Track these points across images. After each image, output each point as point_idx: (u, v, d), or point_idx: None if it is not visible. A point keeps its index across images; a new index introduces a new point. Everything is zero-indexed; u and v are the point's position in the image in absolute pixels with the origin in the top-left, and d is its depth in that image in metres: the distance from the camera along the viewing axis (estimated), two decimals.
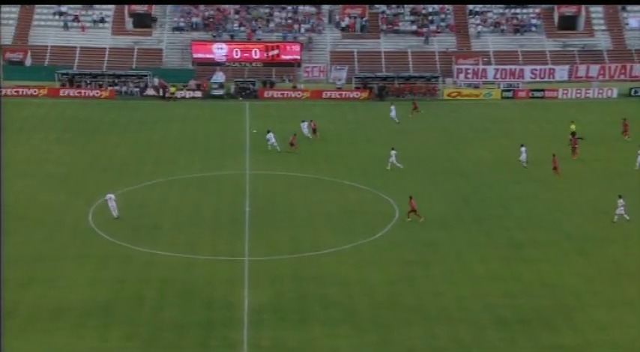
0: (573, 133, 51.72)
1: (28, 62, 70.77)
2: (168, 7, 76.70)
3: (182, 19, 76.21)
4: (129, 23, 75.43)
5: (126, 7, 75.10)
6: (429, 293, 31.83)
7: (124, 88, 68.77)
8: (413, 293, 31.87)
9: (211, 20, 76.60)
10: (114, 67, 71.17)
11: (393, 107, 61.46)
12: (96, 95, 67.44)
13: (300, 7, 78.49)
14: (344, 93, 70.50)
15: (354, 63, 73.99)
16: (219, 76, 70.57)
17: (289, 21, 77.77)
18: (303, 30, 76.82)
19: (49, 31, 73.28)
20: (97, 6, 75.27)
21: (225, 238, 37.32)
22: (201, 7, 77.20)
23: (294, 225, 39.34)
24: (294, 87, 71.42)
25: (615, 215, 38.85)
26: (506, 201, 42.55)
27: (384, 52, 75.23)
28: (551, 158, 45.99)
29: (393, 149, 47.96)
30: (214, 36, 75.04)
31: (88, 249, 35.40)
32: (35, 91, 66.39)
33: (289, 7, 78.68)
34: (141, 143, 53.26)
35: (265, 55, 72.89)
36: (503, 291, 31.95)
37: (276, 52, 73.06)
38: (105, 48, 73.00)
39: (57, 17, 74.25)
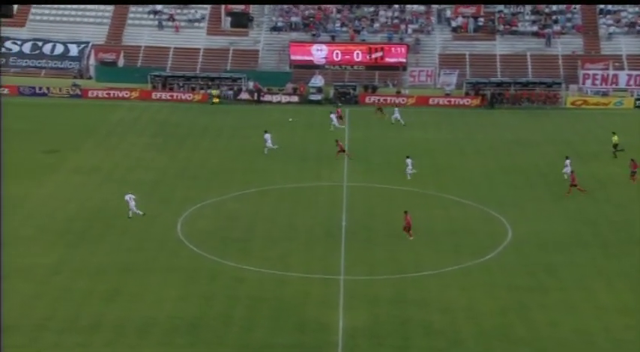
0: (615, 145, 51.75)
1: (121, 63, 73.64)
2: (267, 6, 78.16)
3: (280, 19, 77.49)
4: (225, 22, 77.34)
5: (222, 5, 77.08)
6: (544, 323, 30.88)
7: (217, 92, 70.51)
8: (526, 323, 31.01)
9: (311, 20, 77.52)
10: (207, 68, 73.10)
11: (396, 109, 62.45)
12: (188, 98, 69.44)
13: (408, 6, 78.33)
14: (453, 99, 69.74)
15: (465, 67, 73.16)
16: (317, 80, 71.27)
17: (395, 21, 77.74)
18: (410, 30, 76.61)
19: (143, 30, 76.05)
20: (193, 4, 77.61)
21: (319, 254, 37.48)
22: (302, 5, 78.27)
23: (395, 242, 39.07)
24: (398, 92, 71.20)
25: None
26: (639, 224, 40.86)
27: (500, 54, 74.01)
28: None
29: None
30: (314, 36, 75.88)
31: (176, 261, 36.34)
32: (127, 93, 69.01)
33: (396, 6, 78.71)
34: (233, 150, 54.38)
35: (368, 57, 73.09)
36: (633, 327, 30.60)
37: (380, 54, 73.13)
38: (199, 48, 75.12)
39: (151, 16, 76.99)
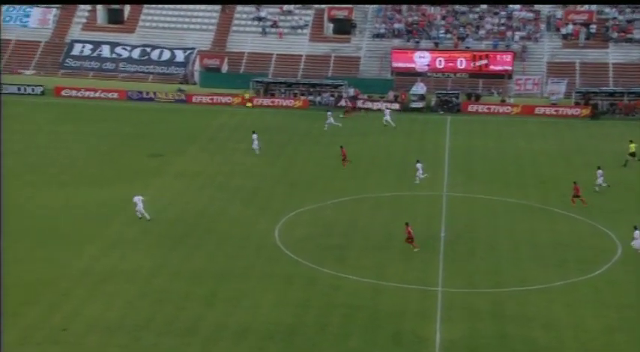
0: (633, 154, 50.75)
1: (224, 69, 75.24)
2: (370, 12, 78.27)
3: (383, 25, 77.39)
4: (328, 29, 77.85)
5: (326, 12, 77.66)
6: None
7: (318, 98, 71.05)
8: (635, 344, 29.71)
9: (415, 26, 77.09)
10: (309, 75, 73.77)
11: (387, 110, 62.94)
12: (289, 105, 70.23)
13: (516, 12, 76.86)
14: (561, 109, 67.89)
15: (574, 75, 71.06)
16: (419, 87, 70.78)
17: (502, 28, 76.36)
18: (517, 37, 75.09)
19: (246, 37, 77.50)
20: (297, 11, 78.56)
21: (417, 265, 37.10)
22: (405, 12, 78.01)
23: (496, 255, 38.26)
24: (503, 101, 69.87)
25: None
26: None
27: (613, 63, 71.57)
28: None
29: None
30: (417, 43, 75.41)
31: (273, 267, 36.71)
32: (229, 99, 70.43)
33: (502, 12, 77.38)
34: (332, 157, 54.58)
35: (472, 64, 72.09)
36: None
37: (484, 61, 72.00)
38: (301, 55, 75.90)
39: (255, 23, 78.37)
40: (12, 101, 66.71)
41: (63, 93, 70.43)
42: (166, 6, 78.83)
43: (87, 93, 69.89)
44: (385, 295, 33.91)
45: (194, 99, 70.70)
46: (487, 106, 68.94)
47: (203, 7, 79.03)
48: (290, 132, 61.34)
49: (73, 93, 70.52)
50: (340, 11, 77.85)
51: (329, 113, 63.11)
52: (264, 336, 30.23)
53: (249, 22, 78.75)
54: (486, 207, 44.68)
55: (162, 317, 31.50)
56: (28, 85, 70.95)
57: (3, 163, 46.38)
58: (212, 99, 70.76)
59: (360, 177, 50.03)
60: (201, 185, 48.22)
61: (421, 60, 72.77)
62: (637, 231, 38.21)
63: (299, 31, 77.81)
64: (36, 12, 77.03)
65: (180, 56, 75.10)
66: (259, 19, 78.54)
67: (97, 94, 70.31)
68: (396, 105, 69.40)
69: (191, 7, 78.88)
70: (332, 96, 71.05)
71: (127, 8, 78.41)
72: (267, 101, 70.52)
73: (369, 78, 73.22)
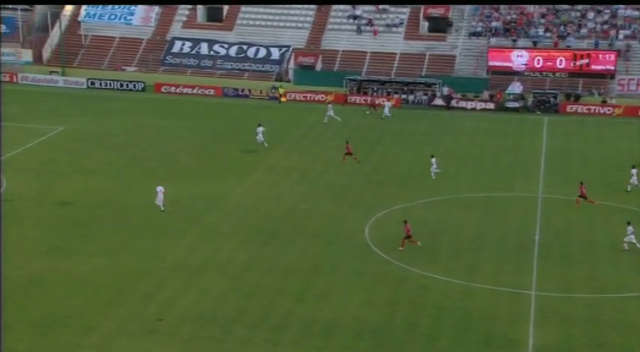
0: None
1: (319, 67, 75.69)
2: (467, 11, 77.23)
3: (480, 24, 76.22)
4: (423, 27, 77.24)
5: (422, 10, 77.06)
6: None
7: (410, 97, 70.61)
8: None
9: (513, 25, 75.60)
10: (403, 73, 73.37)
11: (387, 103, 64.05)
12: (382, 103, 70.02)
13: (620, 11, 74.39)
14: None
15: None
16: (516, 87, 69.39)
17: (605, 26, 74.01)
18: (621, 36, 72.63)
19: (341, 35, 77.68)
20: (393, 9, 78.28)
21: (509, 267, 36.39)
22: (503, 10, 76.61)
23: (594, 260, 37.15)
24: (604, 101, 67.73)
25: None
26: None
27: None
28: None
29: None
30: (514, 42, 73.94)
31: (363, 265, 36.71)
32: (322, 97, 70.80)
33: (606, 11, 74.99)
34: (423, 156, 54.04)
35: (572, 64, 70.17)
36: None
37: (585, 61, 69.98)
38: (395, 53, 75.56)
39: (350, 21, 78.49)
40: (115, 97, 69.01)
41: (162, 89, 72.35)
42: (264, 4, 79.85)
43: (185, 90, 71.59)
44: (476, 297, 33.42)
45: (288, 96, 71.39)
46: (587, 107, 66.95)
47: (299, 5, 79.68)
48: (382, 131, 61.18)
49: (172, 89, 72.32)
50: (436, 9, 77.10)
51: (329, 105, 64.17)
52: (353, 334, 30.26)
53: (344, 21, 78.90)
54: (584, 211, 43.41)
55: (254, 310, 31.95)
56: (130, 82, 73.18)
57: (3, 162, 47.79)
58: (305, 96, 71.29)
59: (452, 177, 49.43)
60: (292, 181, 48.66)
61: (519, 59, 71.28)
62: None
63: (394, 29, 77.46)
64: (139, 10, 79.34)
65: (275, 54, 75.96)
66: (354, 17, 78.61)
67: (195, 91, 71.90)
68: (491, 105, 68.25)
69: (287, 5, 79.65)
70: (425, 94, 70.46)
71: (226, 7, 79.81)
72: (359, 99, 70.52)
73: (464, 77, 72.23)
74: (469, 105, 68.73)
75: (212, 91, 71.78)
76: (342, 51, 76.43)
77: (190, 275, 35.24)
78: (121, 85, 72.72)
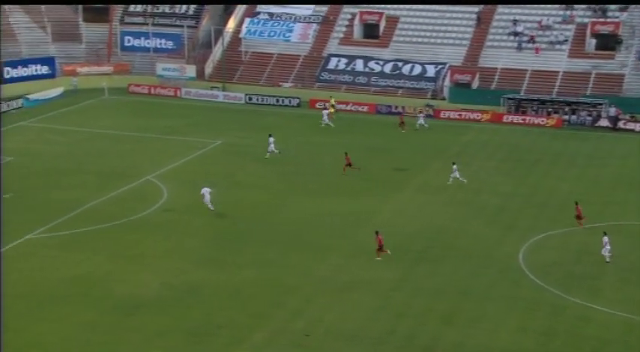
0: None
1: (475, 85, 74.52)
2: (638, 28, 73.65)
3: None
4: (590, 44, 74.40)
5: (588, 27, 74.28)
6: None
7: (573, 117, 68.06)
8: None
9: None
10: (565, 92, 70.88)
11: (421, 115, 65.95)
12: (541, 123, 67.97)
13: None
14: None
15: None
16: None
17: None
18: None
19: (501, 52, 76.15)
20: (557, 26, 75.97)
21: None
22: None
23: None
24: None
25: None
26: None
27: None
28: None
29: None
30: None
31: (517, 290, 35.59)
32: (478, 115, 69.58)
33: None
34: (587, 179, 51.97)
35: None
36: None
37: None
38: (558, 71, 73.16)
39: (511, 38, 76.85)
40: (271, 112, 70.95)
41: (317, 105, 73.63)
42: (421, 21, 79.72)
43: (338, 106, 72.48)
44: None
45: (442, 114, 70.67)
46: None
47: (458, 21, 78.91)
48: (540, 152, 59.29)
49: (326, 105, 73.43)
50: (604, 26, 74.08)
51: (325, 111, 66.84)
52: None
53: (505, 37, 77.31)
54: None
55: (402, 331, 31.70)
56: (286, 97, 75.01)
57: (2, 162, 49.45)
58: (460, 114, 70.33)
59: (619, 202, 47.09)
60: (444, 200, 48.02)
61: None
62: (605, 237, 38.36)
63: (557, 46, 75.07)
64: (298, 27, 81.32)
65: (431, 71, 75.49)
66: (515, 34, 76.88)
67: (349, 107, 72.64)
68: None
69: (446, 21, 79.08)
70: (589, 115, 67.67)
71: (383, 23, 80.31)
72: (517, 118, 68.75)
73: (634, 97, 68.76)
74: (638, 127, 65.34)
75: (366, 108, 72.29)
76: (501, 68, 74.86)
77: (339, 291, 35.46)
78: (277, 101, 74.66)
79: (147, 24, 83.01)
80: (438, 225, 43.80)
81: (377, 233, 39.08)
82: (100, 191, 48.23)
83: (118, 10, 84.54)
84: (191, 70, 79.36)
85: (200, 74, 79.82)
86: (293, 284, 36.09)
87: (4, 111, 67.81)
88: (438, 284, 36.16)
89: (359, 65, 77.37)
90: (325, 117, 66.02)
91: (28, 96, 71.67)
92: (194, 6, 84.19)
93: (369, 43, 79.98)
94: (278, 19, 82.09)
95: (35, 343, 30.73)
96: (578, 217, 43.01)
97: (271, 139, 56.51)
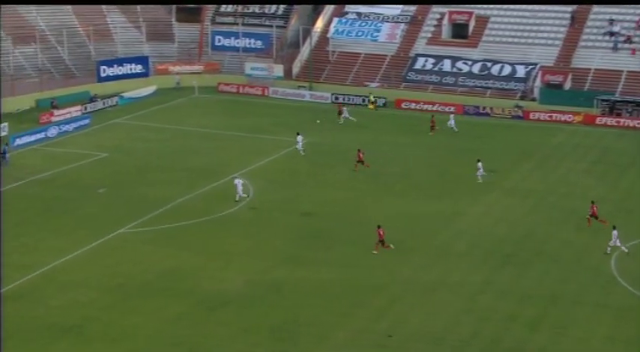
0: None
1: (567, 86, 72.81)
2: None
3: None
4: None
5: None
6: None
7: None
8: None
9: None
10: None
11: (451, 115, 64.60)
12: (637, 126, 65.92)
13: None
14: None
15: None
16: None
17: None
18: None
19: (595, 52, 74.18)
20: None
21: None
22: None
23: None
24: None
25: None
26: None
27: None
28: None
29: None
30: None
31: (608, 298, 34.69)
32: (570, 117, 67.98)
33: None
34: None
35: None
36: None
37: None
38: None
39: (607, 38, 74.77)
40: (356, 112, 71.05)
41: (403, 105, 73.30)
42: (512, 20, 78.43)
43: (425, 106, 72.00)
44: None
45: (531, 115, 69.32)
46: None
47: (551, 21, 77.24)
48: (634, 155, 57.49)
49: (412, 105, 73.01)
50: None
51: (344, 108, 67.65)
52: None
53: (600, 38, 75.23)
54: None
55: (487, 335, 31.36)
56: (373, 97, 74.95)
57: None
58: (550, 116, 68.85)
59: None
60: (532, 204, 47.14)
61: None
62: (615, 231, 38.64)
63: None
64: (385, 27, 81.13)
65: (521, 72, 74.15)
66: (611, 33, 74.72)
67: (435, 107, 72.05)
68: None
69: (538, 21, 77.52)
70: None
71: (472, 23, 79.35)
72: (611, 120, 66.85)
73: None
74: None
75: (452, 108, 71.57)
76: (595, 69, 72.89)
77: (422, 293, 35.32)
78: (363, 100, 74.71)
79: (237, 24, 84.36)
80: (526, 229, 43.06)
81: (379, 227, 39.22)
82: (189, 188, 49.36)
83: (209, 10, 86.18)
84: (279, 70, 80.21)
85: (287, 73, 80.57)
86: (377, 283, 36.14)
87: (100, 109, 70.25)
88: (525, 288, 35.57)
89: (446, 65, 76.65)
90: (346, 114, 67.16)
91: (122, 94, 73.94)
92: (283, 6, 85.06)
93: (458, 43, 79.14)
94: (366, 18, 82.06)
95: (125, 335, 31.72)
96: (594, 217, 42.33)
97: (299, 138, 57.14)
